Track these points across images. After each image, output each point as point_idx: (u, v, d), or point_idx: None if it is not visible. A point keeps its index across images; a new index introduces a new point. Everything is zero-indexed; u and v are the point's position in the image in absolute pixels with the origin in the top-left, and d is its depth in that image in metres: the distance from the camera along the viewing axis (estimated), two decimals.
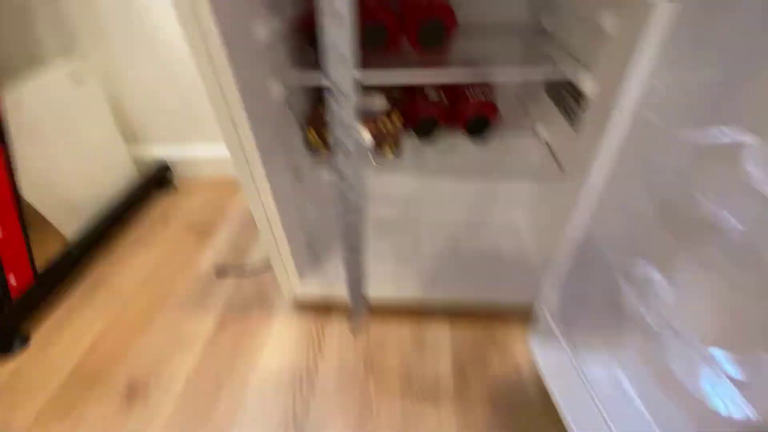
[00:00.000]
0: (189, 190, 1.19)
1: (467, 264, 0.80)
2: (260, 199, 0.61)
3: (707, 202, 0.28)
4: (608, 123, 0.44)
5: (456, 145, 0.80)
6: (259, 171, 0.58)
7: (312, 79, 0.61)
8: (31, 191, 0.91)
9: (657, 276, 0.36)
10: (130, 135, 1.17)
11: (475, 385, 0.67)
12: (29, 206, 0.88)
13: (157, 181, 1.16)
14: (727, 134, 0.25)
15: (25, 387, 0.70)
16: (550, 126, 0.74)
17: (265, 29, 0.56)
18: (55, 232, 0.97)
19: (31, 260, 0.81)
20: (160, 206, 1.13)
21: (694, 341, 0.37)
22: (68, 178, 0.95)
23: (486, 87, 0.75)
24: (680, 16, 0.28)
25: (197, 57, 0.47)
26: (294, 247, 0.70)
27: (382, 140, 0.71)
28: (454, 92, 0.75)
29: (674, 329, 0.41)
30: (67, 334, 0.79)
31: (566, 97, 0.65)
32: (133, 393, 0.68)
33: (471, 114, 0.69)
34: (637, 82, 0.31)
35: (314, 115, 0.72)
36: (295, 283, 0.75)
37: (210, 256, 0.95)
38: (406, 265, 0.80)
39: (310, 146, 0.74)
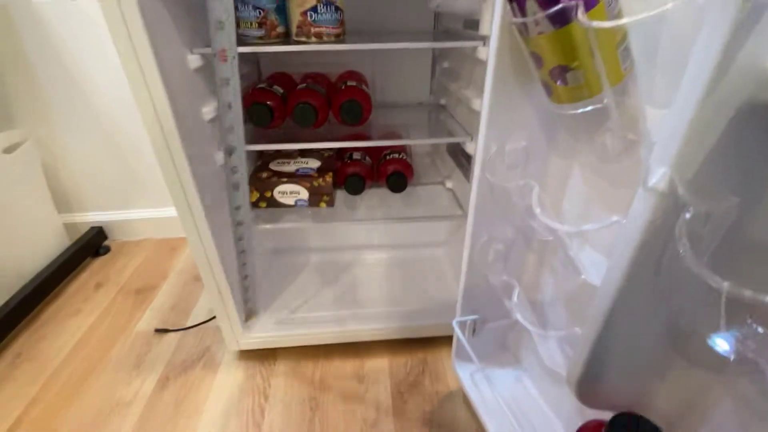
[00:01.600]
0: (125, 254, 1.18)
1: (399, 297, 0.90)
2: (205, 254, 0.68)
3: (539, 227, 0.42)
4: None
5: (380, 196, 0.94)
6: (204, 228, 0.65)
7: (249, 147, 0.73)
8: None
9: (516, 283, 0.49)
10: (63, 203, 1.16)
11: (412, 406, 0.74)
12: None
13: (90, 246, 1.15)
14: (526, 182, 0.41)
15: None
16: (453, 177, 0.91)
17: (209, 108, 0.67)
18: None
19: None
20: (94, 272, 1.11)
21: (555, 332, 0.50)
22: None
23: (402, 149, 0.91)
24: (492, 103, 0.44)
25: (151, 131, 0.55)
26: (236, 297, 0.76)
27: (317, 195, 0.82)
28: (376, 154, 0.90)
29: (544, 325, 0.54)
30: None
31: (459, 157, 0.83)
32: None
33: (390, 171, 0.84)
34: (480, 142, 0.46)
35: (254, 176, 0.82)
36: (238, 333, 0.79)
37: (149, 316, 0.95)
38: (345, 305, 0.88)
39: (251, 203, 0.83)
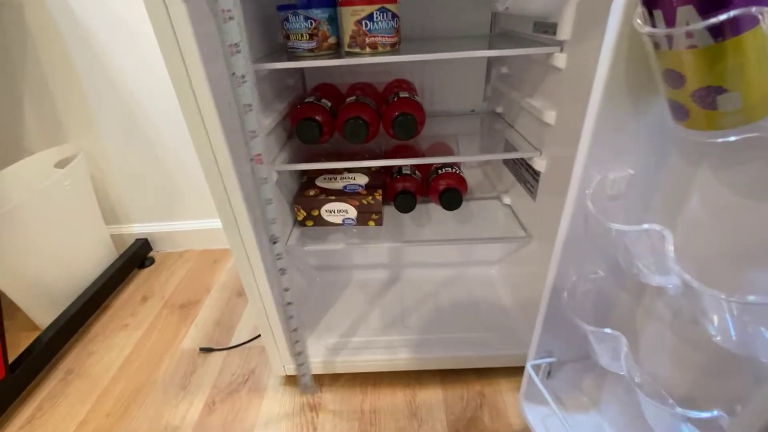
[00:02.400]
0: (169, 266, 1.18)
1: (451, 322, 0.84)
2: (252, 272, 0.64)
3: (645, 269, 0.35)
4: (560, 198, 0.53)
5: (430, 210, 0.88)
6: (253, 248, 0.61)
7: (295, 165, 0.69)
8: (6, 279, 0.89)
9: (622, 337, 0.42)
10: (110, 215, 1.18)
11: None
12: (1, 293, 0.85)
13: (137, 258, 1.16)
14: (648, 228, 0.33)
15: None
16: (512, 193, 0.84)
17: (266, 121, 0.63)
18: (26, 320, 0.93)
19: (4, 354, 0.77)
20: (140, 284, 1.11)
21: (660, 391, 0.42)
22: (46, 264, 0.94)
23: (455, 163, 0.85)
24: (597, 125, 0.37)
25: (200, 150, 0.52)
26: (283, 319, 0.72)
27: (366, 213, 0.77)
28: (426, 167, 0.84)
29: (642, 381, 0.47)
30: None
31: (522, 171, 0.75)
32: None
33: (443, 187, 0.78)
34: (577, 170, 0.39)
35: (300, 194, 0.78)
36: (285, 357, 0.76)
37: (193, 333, 0.94)
38: (394, 330, 0.83)
39: (297, 221, 0.80)
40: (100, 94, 1.02)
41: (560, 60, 0.55)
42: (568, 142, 0.56)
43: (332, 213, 0.78)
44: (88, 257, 1.06)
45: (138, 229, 1.21)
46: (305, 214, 0.78)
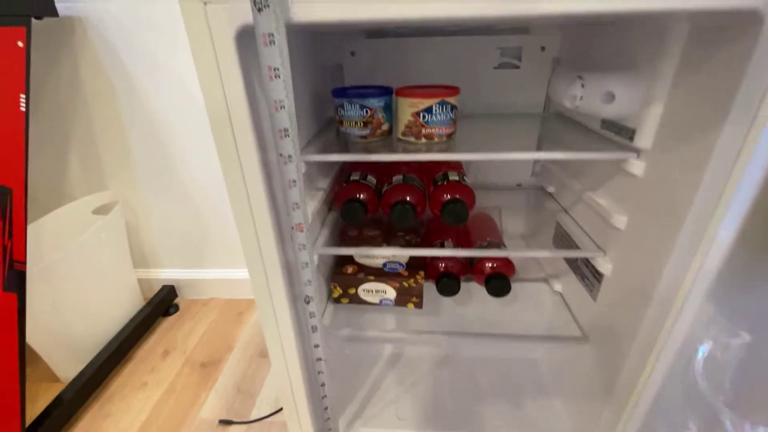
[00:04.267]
0: (193, 315, 1.16)
1: (491, 418, 0.77)
2: (282, 345, 0.58)
3: None
4: (629, 309, 0.47)
5: (470, 290, 0.82)
6: (286, 323, 0.56)
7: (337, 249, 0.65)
8: (32, 330, 0.88)
9: None
10: (140, 259, 1.17)
11: None
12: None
13: (162, 305, 1.14)
14: None
15: None
16: (563, 280, 0.78)
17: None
18: (47, 370, 0.91)
19: (22, 415, 0.74)
20: (163, 335, 1.09)
21: None
22: (75, 316, 0.92)
23: (500, 241, 0.80)
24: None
25: (242, 224, 0.48)
26: (309, 392, 0.67)
27: (406, 296, 0.73)
28: (471, 246, 0.79)
29: None
30: None
31: (579, 263, 0.70)
32: None
33: (489, 272, 0.73)
34: (678, 332, 0.34)
35: (337, 272, 0.75)
36: None
37: (213, 399, 0.90)
38: (429, 419, 0.76)
39: (332, 297, 0.76)
40: (142, 144, 1.03)
41: (637, 168, 0.51)
42: (642, 250, 0.50)
43: (370, 293, 0.74)
44: (116, 304, 1.04)
45: (165, 274, 1.20)
46: (341, 291, 0.74)
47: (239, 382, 0.94)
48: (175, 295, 1.20)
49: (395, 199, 0.65)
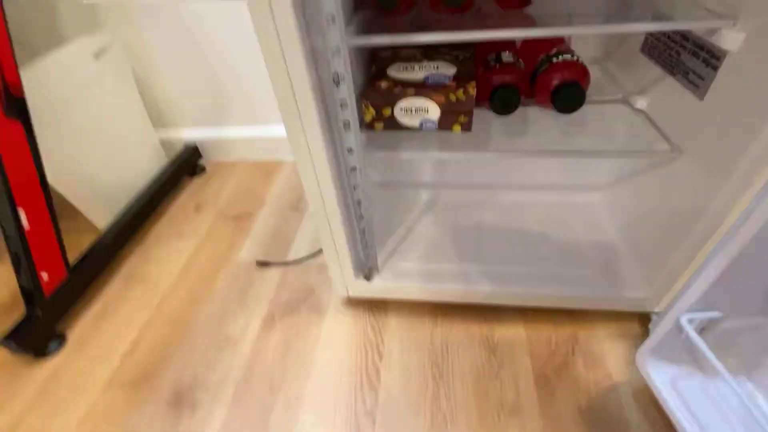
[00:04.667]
0: (221, 175, 1.11)
1: (541, 254, 0.71)
2: (317, 179, 0.52)
3: None
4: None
5: (527, 116, 0.69)
6: (320, 150, 0.49)
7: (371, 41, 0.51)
8: (58, 178, 0.85)
9: None
10: (157, 118, 1.09)
11: (561, 394, 0.58)
12: (56, 194, 0.82)
13: (187, 165, 1.10)
14: None
15: (64, 392, 0.65)
16: (652, 93, 0.62)
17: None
18: (85, 222, 0.91)
19: (63, 254, 0.75)
20: (192, 193, 1.06)
21: None
22: (96, 164, 0.89)
23: (569, 48, 0.63)
24: None
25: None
26: (350, 239, 0.62)
27: (452, 114, 0.61)
28: (532, 57, 0.63)
29: None
30: (104, 333, 0.73)
31: (683, 57, 0.54)
32: (180, 400, 0.62)
33: (558, 81, 0.58)
34: None
35: (370, 88, 0.62)
36: (348, 277, 0.67)
37: (248, 245, 0.88)
38: (471, 258, 0.71)
39: (364, 123, 0.65)
40: None
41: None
42: None
43: (409, 112, 0.62)
44: (139, 160, 1.00)
45: (186, 134, 1.13)
46: (374, 113, 0.63)
47: (273, 232, 0.91)
48: (200, 156, 1.14)
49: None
